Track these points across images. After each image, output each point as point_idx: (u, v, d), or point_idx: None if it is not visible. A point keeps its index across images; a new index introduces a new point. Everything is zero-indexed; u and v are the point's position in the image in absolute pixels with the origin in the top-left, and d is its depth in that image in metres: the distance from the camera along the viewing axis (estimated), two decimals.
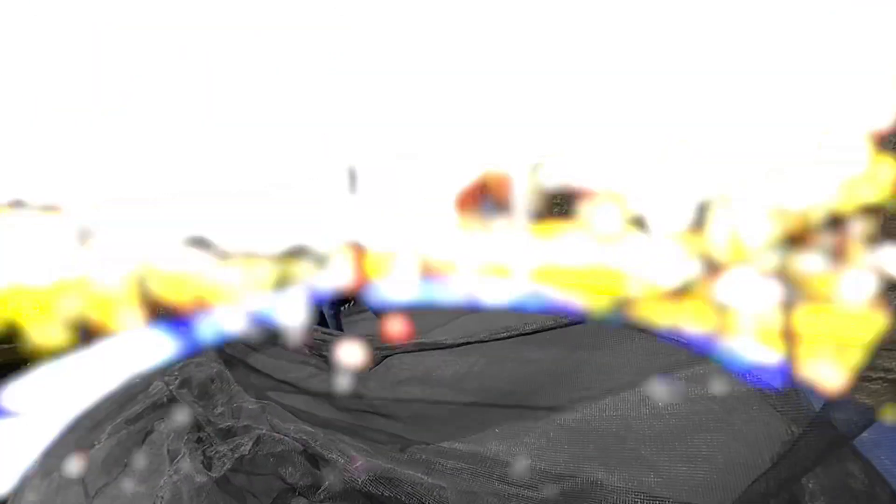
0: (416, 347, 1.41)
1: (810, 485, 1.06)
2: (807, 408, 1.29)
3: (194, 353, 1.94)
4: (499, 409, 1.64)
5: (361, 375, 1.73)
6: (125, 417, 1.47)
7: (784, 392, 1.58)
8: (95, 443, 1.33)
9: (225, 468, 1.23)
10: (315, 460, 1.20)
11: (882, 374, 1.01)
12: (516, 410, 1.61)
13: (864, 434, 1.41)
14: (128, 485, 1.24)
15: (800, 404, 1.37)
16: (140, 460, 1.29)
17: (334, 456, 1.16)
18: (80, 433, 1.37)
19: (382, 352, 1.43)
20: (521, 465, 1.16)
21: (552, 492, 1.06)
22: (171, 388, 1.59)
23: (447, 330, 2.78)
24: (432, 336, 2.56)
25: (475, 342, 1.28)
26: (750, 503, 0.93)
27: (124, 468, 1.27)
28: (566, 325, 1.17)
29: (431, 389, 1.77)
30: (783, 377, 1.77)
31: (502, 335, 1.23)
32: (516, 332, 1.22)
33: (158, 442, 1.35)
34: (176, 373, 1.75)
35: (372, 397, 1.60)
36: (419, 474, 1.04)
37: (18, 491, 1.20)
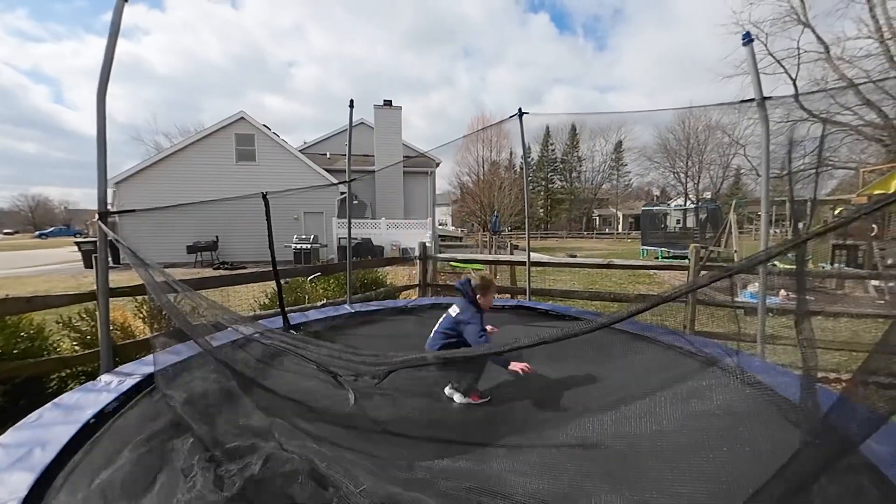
0: (421, 362, 1.42)
1: (818, 498, 1.03)
2: (817, 416, 1.27)
3: (197, 364, 1.99)
4: (504, 421, 1.64)
5: (366, 392, 1.75)
6: (147, 435, 1.52)
7: (796, 400, 1.55)
8: (119, 460, 1.37)
9: (236, 487, 1.26)
10: (323, 480, 1.22)
11: None
12: (521, 424, 1.61)
13: (883, 448, 1.37)
14: None
15: (810, 412, 1.35)
16: (158, 479, 1.33)
17: (339, 477, 1.17)
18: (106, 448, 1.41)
19: (386, 367, 1.45)
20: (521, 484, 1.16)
21: None
22: (174, 405, 1.63)
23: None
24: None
25: (478, 355, 1.29)
26: None
27: (143, 487, 1.30)
28: (572, 336, 1.17)
29: (437, 404, 1.78)
30: (796, 385, 1.73)
31: (501, 350, 1.23)
32: (517, 346, 1.22)
33: (176, 459, 1.39)
34: (181, 388, 1.80)
35: (376, 415, 1.61)
36: (423, 496, 1.05)
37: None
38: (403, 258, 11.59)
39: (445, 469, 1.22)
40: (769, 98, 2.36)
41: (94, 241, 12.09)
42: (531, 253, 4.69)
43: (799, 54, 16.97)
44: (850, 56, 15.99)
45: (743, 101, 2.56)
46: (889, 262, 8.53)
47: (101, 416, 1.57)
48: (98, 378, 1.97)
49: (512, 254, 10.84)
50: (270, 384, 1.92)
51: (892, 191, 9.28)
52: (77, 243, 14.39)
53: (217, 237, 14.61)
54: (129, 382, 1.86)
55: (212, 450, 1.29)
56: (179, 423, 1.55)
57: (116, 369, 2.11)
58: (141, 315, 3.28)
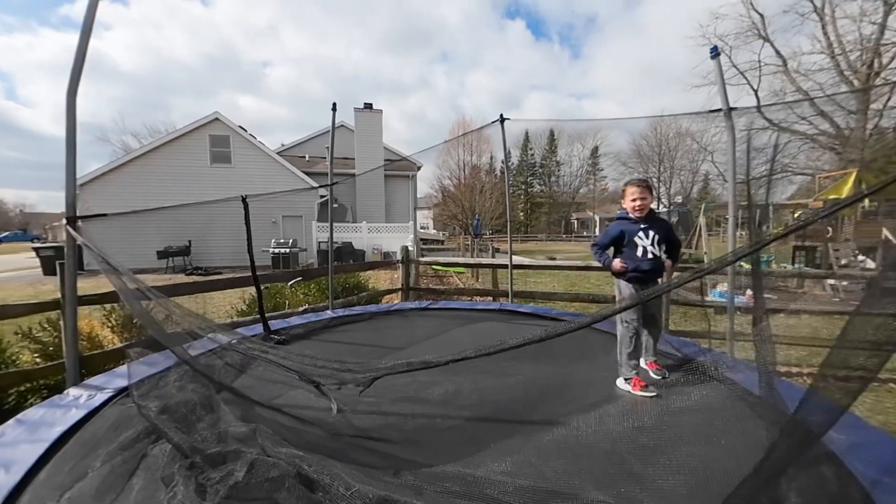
0: (406, 368, 1.42)
1: (788, 487, 1.10)
2: (784, 411, 1.35)
3: (174, 374, 1.91)
4: (490, 423, 1.65)
5: (352, 399, 1.73)
6: (119, 443, 1.44)
7: (763, 396, 1.64)
8: (89, 471, 1.30)
9: (220, 495, 1.21)
10: (311, 484, 1.19)
11: (861, 374, 1.06)
12: (507, 426, 1.63)
13: (842, 437, 1.48)
14: None
15: (777, 407, 1.43)
16: (134, 487, 1.26)
17: (328, 480, 1.16)
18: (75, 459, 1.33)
19: (371, 374, 1.44)
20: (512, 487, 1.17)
21: None
22: (147, 415, 1.56)
23: (440, 341, 2.81)
24: (421, 349, 2.58)
25: (462, 359, 1.30)
26: None
27: (118, 496, 1.23)
28: (551, 338, 1.20)
29: (423, 409, 1.77)
30: (762, 381, 1.83)
31: (489, 351, 1.25)
32: (503, 348, 1.24)
33: (154, 467, 1.32)
34: (156, 398, 1.73)
35: (360, 423, 1.60)
36: (414, 500, 1.05)
37: None
38: (385, 262, 11.51)
39: (433, 474, 1.23)
40: (735, 109, 2.50)
41: (55, 247, 11.41)
42: (512, 256, 4.76)
43: (760, 66, 18.04)
44: (805, 69, 17.13)
45: (711, 111, 2.70)
46: (843, 262, 9.13)
47: (70, 433, 1.49)
48: (66, 391, 1.87)
49: (493, 257, 10.96)
50: (252, 393, 1.87)
51: (844, 195, 9.94)
52: (35, 249, 13.54)
53: (190, 242, 14.08)
54: (101, 397, 1.78)
55: (191, 457, 1.24)
56: (154, 432, 1.49)
57: (84, 382, 2.00)
58: (110, 324, 3.12)
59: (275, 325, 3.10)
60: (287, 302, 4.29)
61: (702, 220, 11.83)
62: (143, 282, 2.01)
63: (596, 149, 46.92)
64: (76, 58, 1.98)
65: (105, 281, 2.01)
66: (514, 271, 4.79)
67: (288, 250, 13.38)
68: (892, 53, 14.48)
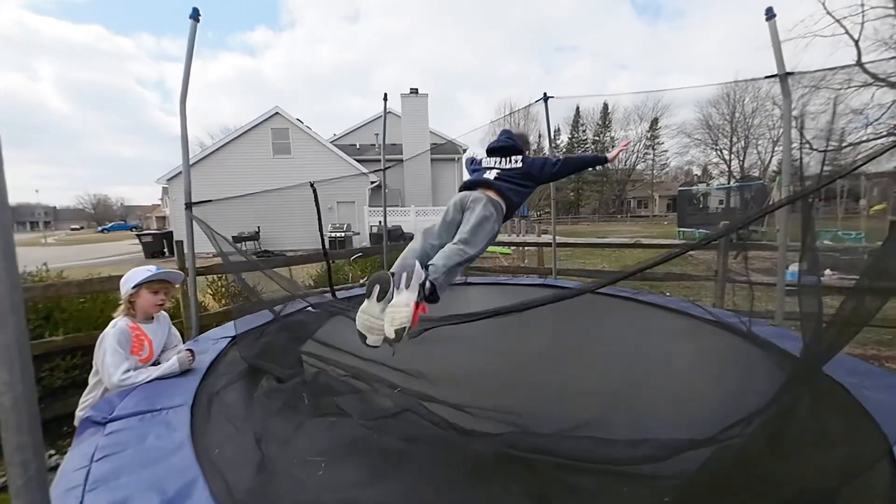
0: (455, 320, 1.70)
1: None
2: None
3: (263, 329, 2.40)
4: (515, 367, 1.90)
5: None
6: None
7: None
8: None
9: (292, 383, 1.63)
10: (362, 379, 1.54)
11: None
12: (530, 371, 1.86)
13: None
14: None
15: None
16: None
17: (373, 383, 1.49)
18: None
19: (425, 324, 1.74)
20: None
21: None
22: (248, 360, 2.04)
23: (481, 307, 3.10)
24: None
25: (503, 313, 1.55)
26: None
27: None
28: (573, 296, 1.38)
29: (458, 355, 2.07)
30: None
31: (518, 308, 1.48)
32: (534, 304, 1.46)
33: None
34: (252, 345, 2.22)
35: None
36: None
37: None
38: None
39: (473, 402, 1.51)
40: (791, 73, 2.40)
41: (154, 234, 13.25)
42: (557, 237, 4.84)
43: (863, 11, 15.34)
44: None
45: (767, 77, 2.59)
46: None
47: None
48: (195, 338, 2.43)
49: (539, 237, 10.88)
50: (326, 340, 2.29)
51: None
52: (138, 235, 15.85)
53: (259, 228, 15.58)
54: (222, 343, 2.30)
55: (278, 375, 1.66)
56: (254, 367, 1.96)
57: (203, 334, 2.56)
58: (211, 292, 3.79)
59: (340, 295, 3.56)
60: (350, 276, 4.81)
61: (776, 195, 10.72)
62: (245, 255, 2.50)
63: (655, 120, 43.26)
64: (184, 73, 2.45)
65: (205, 261, 2.52)
66: (562, 251, 4.88)
67: (343, 234, 14.33)
68: None
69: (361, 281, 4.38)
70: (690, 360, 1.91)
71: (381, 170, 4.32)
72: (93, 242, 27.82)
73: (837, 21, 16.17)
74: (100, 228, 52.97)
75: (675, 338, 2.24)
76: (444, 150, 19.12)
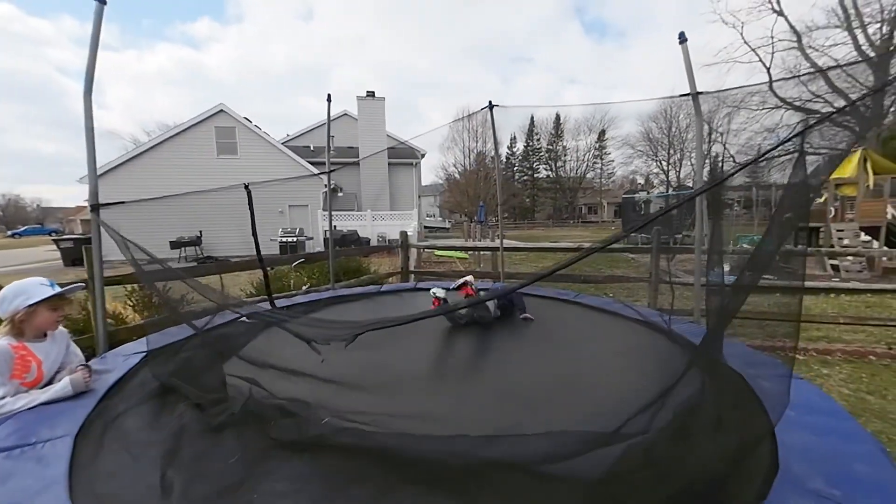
0: (385, 324, 1.66)
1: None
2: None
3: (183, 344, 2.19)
4: (451, 375, 1.90)
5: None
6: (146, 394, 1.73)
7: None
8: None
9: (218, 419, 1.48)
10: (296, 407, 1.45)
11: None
12: (463, 373, 1.87)
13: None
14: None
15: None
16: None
17: (304, 411, 1.41)
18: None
19: (354, 331, 1.68)
20: None
21: None
22: (161, 379, 1.85)
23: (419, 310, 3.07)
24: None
25: (422, 318, 1.53)
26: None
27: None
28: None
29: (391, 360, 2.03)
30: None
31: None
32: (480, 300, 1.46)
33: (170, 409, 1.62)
34: (167, 362, 2.02)
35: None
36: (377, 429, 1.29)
37: None
38: (384, 247, 11.78)
39: (397, 412, 1.47)
40: (701, 93, 2.63)
41: (74, 239, 11.91)
42: (506, 241, 4.96)
43: (773, 42, 17.43)
44: (819, 45, 16.56)
45: (682, 95, 2.82)
46: (845, 242, 9.10)
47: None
48: (100, 355, 2.16)
49: (494, 241, 11.11)
50: (251, 356, 2.14)
51: (847, 174, 9.84)
52: (55, 241, 14.12)
53: (201, 232, 14.52)
54: (132, 360, 2.07)
55: (197, 401, 1.52)
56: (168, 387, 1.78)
57: (113, 350, 2.29)
58: (131, 303, 3.43)
59: (280, 303, 3.37)
60: (293, 283, 4.58)
61: (702, 204, 11.79)
62: (164, 263, 2.28)
63: (603, 132, 46.15)
64: (88, 64, 2.20)
65: (123, 269, 2.27)
66: (516, 255, 5.00)
67: (294, 239, 13.73)
68: None
69: (304, 288, 4.18)
70: (611, 359, 2.01)
71: (326, 172, 4.18)
72: (1, 249, 24.41)
73: (753, 50, 18.23)
74: (10, 233, 46.67)
75: (601, 338, 2.35)
76: (401, 155, 19.02)
